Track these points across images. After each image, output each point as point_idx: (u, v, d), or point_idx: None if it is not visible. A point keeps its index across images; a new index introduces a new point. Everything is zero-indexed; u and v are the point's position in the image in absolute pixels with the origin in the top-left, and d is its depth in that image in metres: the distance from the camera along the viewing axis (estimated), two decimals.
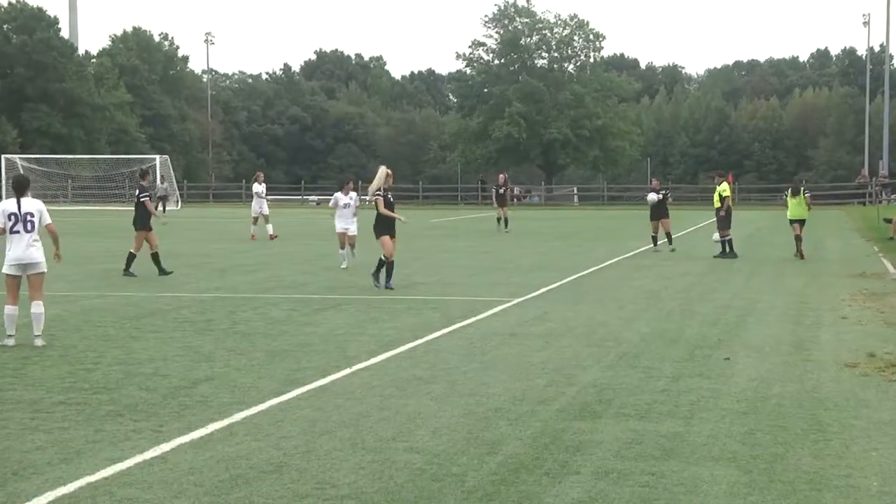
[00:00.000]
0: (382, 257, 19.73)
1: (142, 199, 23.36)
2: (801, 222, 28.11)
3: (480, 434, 8.95)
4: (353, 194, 24.88)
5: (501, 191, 42.75)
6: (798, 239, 27.86)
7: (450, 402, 10.19)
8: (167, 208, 61.07)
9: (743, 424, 9.31)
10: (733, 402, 10.23)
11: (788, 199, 28.49)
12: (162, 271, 22.89)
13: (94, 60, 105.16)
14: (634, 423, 9.33)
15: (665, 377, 11.45)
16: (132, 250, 23.10)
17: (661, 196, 30.21)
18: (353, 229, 24.42)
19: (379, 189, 19.43)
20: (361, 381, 11.20)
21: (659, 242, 30.60)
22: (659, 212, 30.15)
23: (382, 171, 19.75)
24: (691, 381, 11.22)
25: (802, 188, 28.30)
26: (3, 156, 71.34)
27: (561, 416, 9.65)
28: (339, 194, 24.73)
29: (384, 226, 19.54)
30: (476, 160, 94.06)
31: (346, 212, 24.44)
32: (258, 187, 37.15)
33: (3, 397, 10.27)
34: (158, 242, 23.52)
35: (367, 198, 20.37)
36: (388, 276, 19.81)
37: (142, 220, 23.16)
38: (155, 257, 23.07)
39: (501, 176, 44.69)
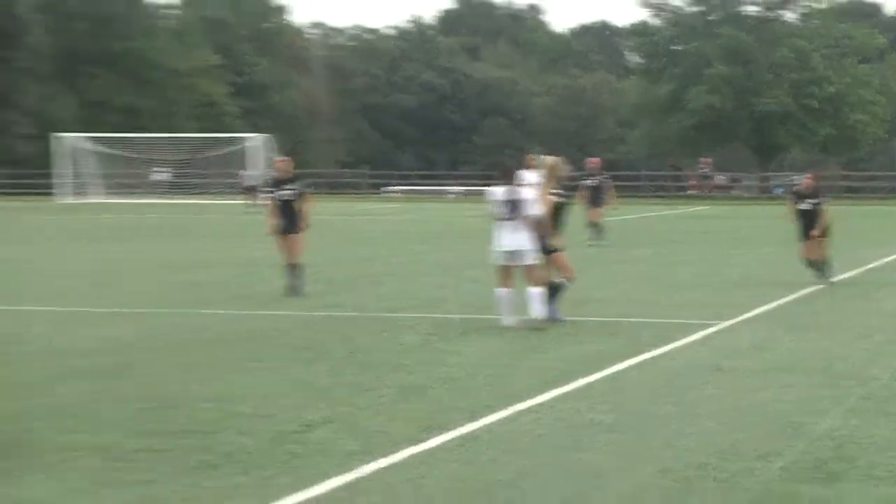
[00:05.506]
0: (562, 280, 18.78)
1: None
2: None
3: (680, 498, 8.93)
4: (531, 178, 19.16)
5: (592, 181, 36.62)
6: None
7: (639, 456, 10.17)
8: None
9: None
10: None
11: None
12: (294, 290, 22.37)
13: (174, 12, 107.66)
14: (889, 489, 9.19)
15: None
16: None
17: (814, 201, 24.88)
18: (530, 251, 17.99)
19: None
20: (522, 428, 11.24)
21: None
22: (811, 221, 24.83)
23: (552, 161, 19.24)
24: None
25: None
26: (57, 134, 73.31)
27: (786, 476, 9.56)
28: (494, 189, 18.21)
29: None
30: (666, 139, 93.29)
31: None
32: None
33: (66, 443, 10.60)
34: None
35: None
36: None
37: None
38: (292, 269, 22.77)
39: (594, 161, 38.32)
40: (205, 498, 8.88)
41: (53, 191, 71.37)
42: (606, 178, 37.75)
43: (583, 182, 36.51)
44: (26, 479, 9.41)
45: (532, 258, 17.91)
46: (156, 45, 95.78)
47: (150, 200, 68.01)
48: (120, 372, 14.13)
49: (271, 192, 23.27)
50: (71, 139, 73.16)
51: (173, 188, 74.93)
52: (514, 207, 17.86)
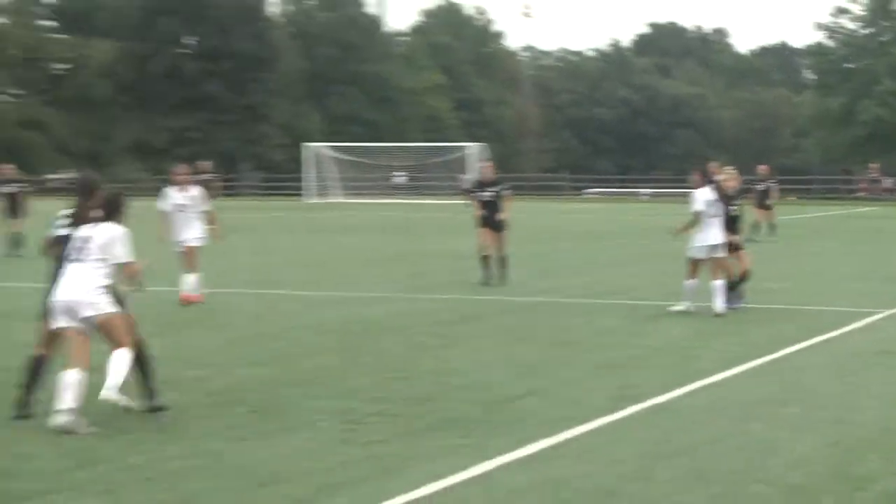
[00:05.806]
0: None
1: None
2: None
3: (847, 468, 8.77)
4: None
5: (762, 186, 36.08)
6: None
7: (809, 429, 10.02)
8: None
9: None
10: None
11: None
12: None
13: (405, 38, 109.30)
14: None
15: None
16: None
17: None
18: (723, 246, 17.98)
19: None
20: (704, 402, 11.17)
21: None
22: None
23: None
24: None
25: None
26: (306, 144, 75.32)
27: None
28: (701, 191, 18.16)
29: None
30: (838, 148, 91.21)
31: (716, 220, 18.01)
32: None
33: (313, 406, 10.90)
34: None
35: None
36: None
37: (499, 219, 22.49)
38: None
39: (763, 167, 37.71)
40: (428, 456, 9.04)
41: (301, 192, 72.93)
42: (774, 182, 37.65)
43: (754, 186, 36.08)
44: (278, 437, 9.70)
45: (723, 253, 17.83)
46: (391, 67, 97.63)
47: (383, 200, 68.94)
48: (357, 348, 14.44)
49: (474, 192, 23.31)
50: (316, 148, 74.76)
51: (408, 190, 76.15)
52: (718, 207, 17.85)
